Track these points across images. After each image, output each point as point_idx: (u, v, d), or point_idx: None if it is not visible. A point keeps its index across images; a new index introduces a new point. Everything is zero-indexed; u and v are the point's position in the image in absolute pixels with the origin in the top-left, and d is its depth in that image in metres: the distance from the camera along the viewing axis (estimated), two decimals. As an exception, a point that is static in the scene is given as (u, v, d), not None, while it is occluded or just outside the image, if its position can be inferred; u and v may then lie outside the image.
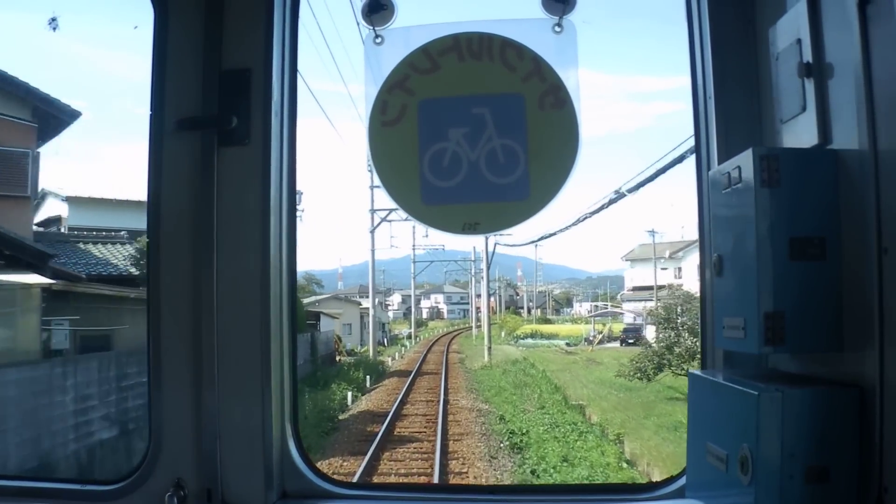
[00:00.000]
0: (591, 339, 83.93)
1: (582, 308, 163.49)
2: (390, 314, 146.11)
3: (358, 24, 3.32)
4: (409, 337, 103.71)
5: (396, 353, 72.00)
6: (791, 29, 2.62)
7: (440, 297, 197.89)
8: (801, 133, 2.60)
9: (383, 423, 29.18)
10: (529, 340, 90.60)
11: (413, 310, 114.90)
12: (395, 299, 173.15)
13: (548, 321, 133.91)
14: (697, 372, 2.90)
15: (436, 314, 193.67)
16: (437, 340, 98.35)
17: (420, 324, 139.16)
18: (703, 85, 3.12)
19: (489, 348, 64.39)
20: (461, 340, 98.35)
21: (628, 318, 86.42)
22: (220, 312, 3.11)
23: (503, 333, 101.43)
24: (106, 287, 24.99)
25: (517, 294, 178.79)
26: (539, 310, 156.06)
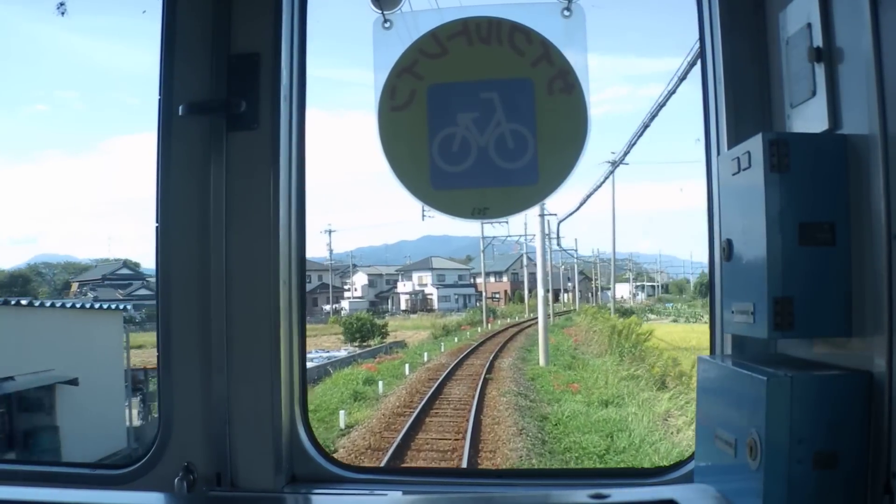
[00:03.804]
0: None
1: (641, 291, 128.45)
2: (343, 304, 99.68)
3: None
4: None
5: None
6: (801, 13, 2.61)
7: (427, 277, 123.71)
8: (810, 118, 2.58)
9: None
10: None
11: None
12: (359, 281, 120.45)
13: (625, 314, 68.58)
14: (706, 357, 2.90)
15: (420, 303, 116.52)
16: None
17: (364, 332, 60.16)
18: (713, 69, 3.11)
19: None
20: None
21: None
22: (229, 297, 3.12)
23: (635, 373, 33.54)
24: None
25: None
26: (568, 294, 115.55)
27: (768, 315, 2.37)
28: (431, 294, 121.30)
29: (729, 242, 2.69)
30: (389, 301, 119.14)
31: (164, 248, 3.20)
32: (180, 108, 3.11)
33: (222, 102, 3.11)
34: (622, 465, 19.91)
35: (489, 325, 77.74)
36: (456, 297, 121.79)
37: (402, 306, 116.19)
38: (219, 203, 3.12)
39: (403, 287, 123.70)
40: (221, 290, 3.12)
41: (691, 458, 3.04)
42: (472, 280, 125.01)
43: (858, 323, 2.34)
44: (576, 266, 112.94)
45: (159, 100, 3.19)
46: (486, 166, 3.15)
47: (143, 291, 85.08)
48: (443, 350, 50.39)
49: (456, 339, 60.54)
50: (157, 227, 3.20)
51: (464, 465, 19.35)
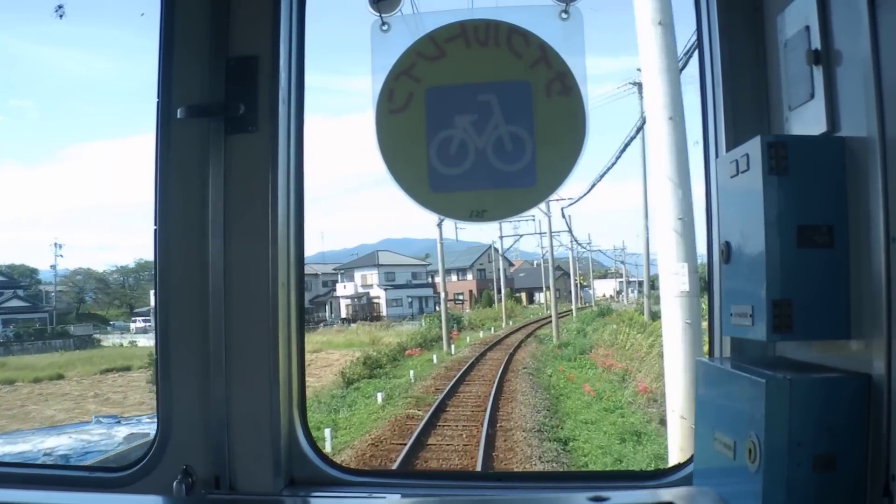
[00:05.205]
0: None
1: (633, 290, 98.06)
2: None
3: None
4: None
5: None
6: (799, 16, 2.61)
7: (373, 275, 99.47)
8: (809, 120, 2.58)
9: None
10: None
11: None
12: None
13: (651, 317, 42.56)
14: (705, 360, 2.90)
15: (365, 309, 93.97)
16: None
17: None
18: (711, 72, 3.11)
19: None
20: None
21: None
22: (228, 300, 3.12)
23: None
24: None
25: (511, 266, 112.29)
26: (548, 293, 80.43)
27: (767, 317, 2.37)
28: (378, 297, 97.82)
29: (727, 245, 2.68)
30: (327, 307, 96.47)
31: (163, 252, 3.20)
32: (179, 111, 3.11)
33: (221, 105, 3.11)
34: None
35: (452, 345, 51.05)
36: (409, 300, 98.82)
37: (343, 313, 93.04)
38: (217, 206, 3.12)
39: (344, 289, 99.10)
40: (220, 292, 3.12)
41: (690, 460, 3.03)
42: (429, 279, 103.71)
43: (857, 325, 2.34)
44: (575, 260, 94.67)
45: (158, 102, 3.19)
46: (483, 168, 3.15)
47: (16, 303, 74.13)
48: (328, 447, 21.41)
49: (379, 398, 29.29)
50: (155, 231, 3.20)
51: None
